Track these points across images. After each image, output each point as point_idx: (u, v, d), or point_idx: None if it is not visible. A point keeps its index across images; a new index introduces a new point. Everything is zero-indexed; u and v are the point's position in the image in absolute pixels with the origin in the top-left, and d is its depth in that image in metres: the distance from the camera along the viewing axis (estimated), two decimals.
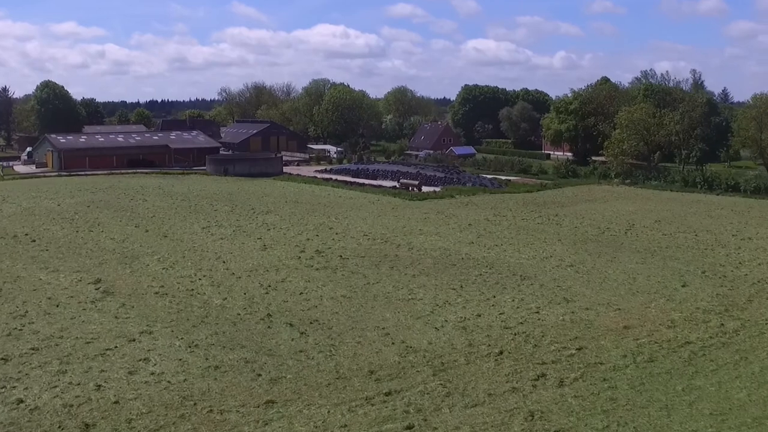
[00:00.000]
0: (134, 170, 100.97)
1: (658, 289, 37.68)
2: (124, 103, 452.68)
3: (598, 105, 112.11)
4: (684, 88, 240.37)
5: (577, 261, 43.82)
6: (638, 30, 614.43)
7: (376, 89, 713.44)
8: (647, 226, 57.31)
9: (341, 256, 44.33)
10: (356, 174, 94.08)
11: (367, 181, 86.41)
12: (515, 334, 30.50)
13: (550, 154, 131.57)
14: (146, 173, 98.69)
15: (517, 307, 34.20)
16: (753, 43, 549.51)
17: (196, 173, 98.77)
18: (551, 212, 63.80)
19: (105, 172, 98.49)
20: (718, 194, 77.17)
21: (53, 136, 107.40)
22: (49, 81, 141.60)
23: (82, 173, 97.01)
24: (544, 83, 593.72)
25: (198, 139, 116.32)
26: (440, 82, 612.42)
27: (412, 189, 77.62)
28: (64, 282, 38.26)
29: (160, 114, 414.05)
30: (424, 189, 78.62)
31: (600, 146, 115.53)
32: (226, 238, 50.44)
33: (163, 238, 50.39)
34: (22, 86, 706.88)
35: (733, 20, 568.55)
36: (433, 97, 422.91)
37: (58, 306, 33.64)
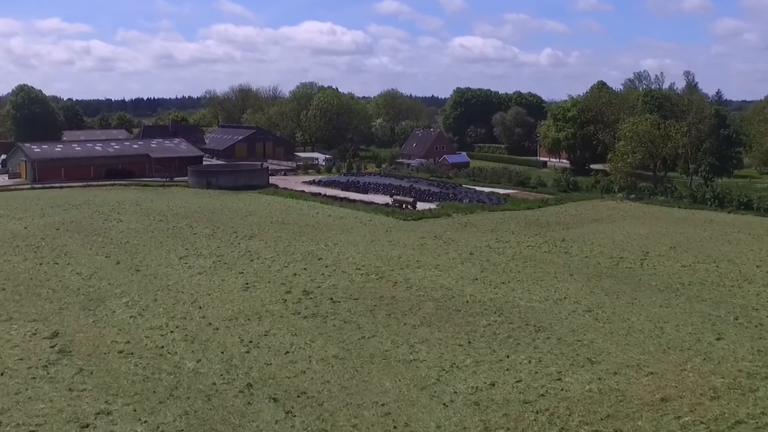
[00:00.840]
0: (112, 182, 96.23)
1: (691, 344, 33.29)
2: (109, 101, 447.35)
3: (597, 112, 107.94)
4: (678, 90, 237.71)
5: (595, 304, 39.38)
6: (624, 28, 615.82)
7: (364, 86, 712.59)
8: (662, 254, 53.01)
9: (332, 298, 39.71)
10: (346, 187, 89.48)
11: (357, 196, 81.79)
12: (537, 412, 26.03)
13: (546, 162, 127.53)
14: (125, 185, 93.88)
15: (536, 372, 29.71)
16: (738, 41, 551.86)
17: (177, 185, 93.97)
18: (557, 236, 59.42)
19: (81, 184, 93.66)
20: (729, 212, 73.13)
21: (27, 145, 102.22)
22: (24, 85, 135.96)
23: (57, 186, 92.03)
24: (532, 81, 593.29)
25: (180, 147, 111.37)
26: (427, 79, 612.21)
27: (406, 207, 73.11)
28: (16, 336, 33.47)
29: (145, 112, 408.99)
30: (419, 206, 74.14)
31: (600, 155, 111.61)
32: (205, 273, 45.73)
33: (135, 273, 45.62)
34: (8, 83, 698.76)
35: (718, 18, 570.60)
36: (421, 96, 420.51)
37: (2, 374, 28.86)
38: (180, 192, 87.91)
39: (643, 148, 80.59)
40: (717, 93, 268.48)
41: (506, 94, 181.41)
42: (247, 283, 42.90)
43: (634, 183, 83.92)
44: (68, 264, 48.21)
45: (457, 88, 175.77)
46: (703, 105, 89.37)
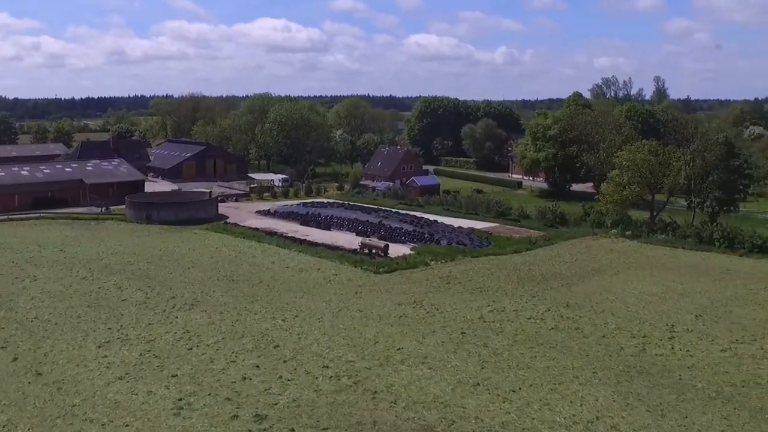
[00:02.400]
0: (40, 212, 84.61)
1: None
2: (59, 100, 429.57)
3: (580, 132, 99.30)
4: (646, 96, 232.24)
5: (638, 430, 29.99)
6: (579, 26, 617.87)
7: (320, 84, 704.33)
8: (690, 328, 44.09)
9: (293, 429, 29.60)
10: (306, 221, 79.20)
11: (319, 235, 71.69)
12: None
13: (521, 182, 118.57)
14: (52, 218, 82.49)
15: None
16: (690, 40, 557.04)
17: (113, 218, 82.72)
18: (560, 299, 50.08)
19: (2, 217, 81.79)
20: (741, 255, 64.71)
21: None
22: None
23: None
24: (487, 79, 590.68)
25: (119, 169, 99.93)
26: (384, 76, 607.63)
27: (377, 253, 63.13)
28: None
29: (95, 113, 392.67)
30: (392, 249, 64.23)
31: (585, 177, 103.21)
32: (128, 376, 35.23)
33: (34, 380, 34.92)
34: None
35: (671, 18, 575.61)
36: (378, 95, 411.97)
37: None
38: (115, 228, 76.69)
39: (641, 180, 71.70)
40: (686, 98, 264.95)
41: (474, 102, 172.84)
42: (180, 399, 32.52)
43: (628, 217, 75.18)
44: None
45: (422, 97, 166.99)
46: (709, 131, 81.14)
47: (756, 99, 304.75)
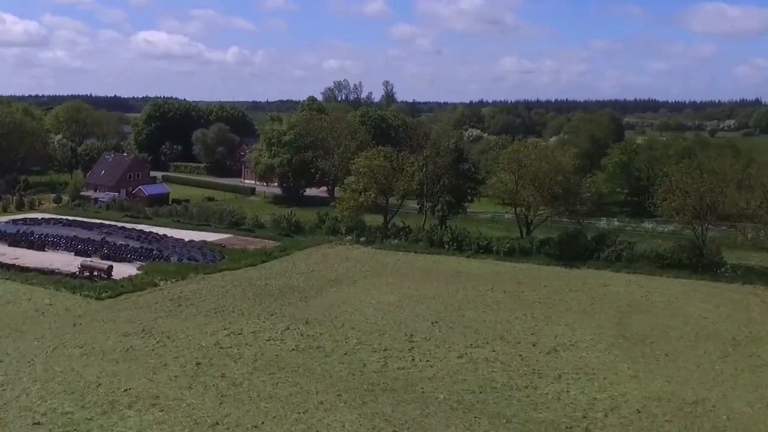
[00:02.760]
0: None
1: None
2: None
3: (316, 137, 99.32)
4: (375, 98, 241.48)
5: None
6: (309, 28, 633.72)
7: (35, 81, 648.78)
8: (428, 336, 44.71)
9: None
10: (16, 241, 70.25)
11: (31, 258, 63.80)
12: None
13: (255, 188, 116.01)
14: None
15: None
16: (413, 45, 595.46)
17: None
18: (299, 315, 48.40)
19: None
20: (468, 257, 67.92)
21: None
22: None
23: None
24: (219, 79, 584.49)
25: None
26: (110, 74, 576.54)
27: (99, 275, 57.25)
28: None
29: None
30: (116, 270, 58.63)
31: (319, 182, 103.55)
32: None
33: None
34: None
35: (396, 23, 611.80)
36: (102, 95, 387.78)
37: None
38: None
39: (376, 185, 72.69)
40: (412, 101, 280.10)
41: (207, 105, 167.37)
42: None
43: (363, 222, 75.91)
44: None
45: (149, 97, 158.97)
46: (440, 137, 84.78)
47: (471, 102, 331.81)
